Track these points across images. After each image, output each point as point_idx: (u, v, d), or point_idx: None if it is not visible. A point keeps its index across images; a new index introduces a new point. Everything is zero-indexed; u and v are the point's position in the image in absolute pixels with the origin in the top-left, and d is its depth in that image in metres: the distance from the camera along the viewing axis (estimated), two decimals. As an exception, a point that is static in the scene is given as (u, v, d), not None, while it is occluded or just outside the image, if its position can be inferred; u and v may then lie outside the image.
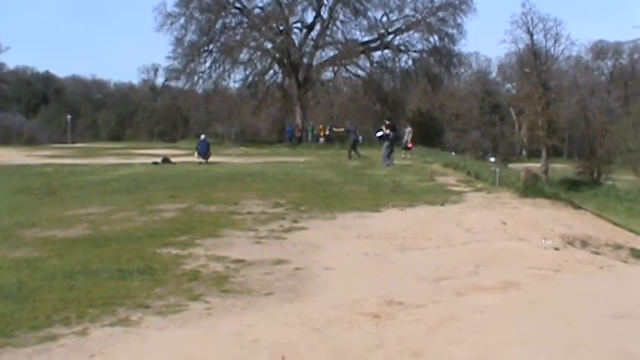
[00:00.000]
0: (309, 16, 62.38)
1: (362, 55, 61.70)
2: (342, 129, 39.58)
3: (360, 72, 63.24)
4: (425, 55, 62.30)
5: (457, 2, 60.00)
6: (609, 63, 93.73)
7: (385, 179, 22.47)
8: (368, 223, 14.26)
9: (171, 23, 59.23)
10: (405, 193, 18.83)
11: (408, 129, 39.96)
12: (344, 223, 14.27)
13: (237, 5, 60.28)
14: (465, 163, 29.65)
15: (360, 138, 38.38)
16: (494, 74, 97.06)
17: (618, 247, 12.93)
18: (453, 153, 46.57)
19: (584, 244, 12.64)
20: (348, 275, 9.83)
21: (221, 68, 61.45)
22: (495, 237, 12.69)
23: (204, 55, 61.16)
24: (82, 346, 6.72)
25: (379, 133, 30.34)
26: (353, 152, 35.00)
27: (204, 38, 60.16)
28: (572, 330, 7.26)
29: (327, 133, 57.51)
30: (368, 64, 63.22)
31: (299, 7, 62.08)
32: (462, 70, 79.33)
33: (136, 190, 20.75)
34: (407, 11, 61.20)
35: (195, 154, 34.04)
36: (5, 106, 79.36)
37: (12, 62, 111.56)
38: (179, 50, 60.39)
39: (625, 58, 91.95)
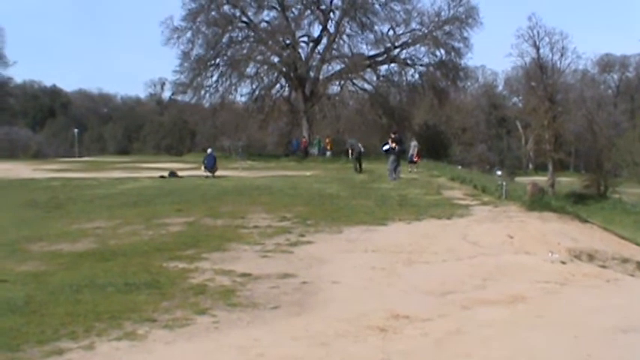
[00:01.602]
0: (316, 30, 62.45)
1: (368, 69, 61.64)
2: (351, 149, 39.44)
3: (366, 86, 63.17)
4: (431, 68, 62.21)
5: (463, 16, 59.91)
6: (615, 76, 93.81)
7: (392, 193, 22.46)
8: (374, 236, 14.29)
9: (178, 37, 59.29)
10: (411, 206, 18.84)
11: (414, 142, 39.79)
12: (350, 236, 14.30)
13: (244, 19, 60.37)
14: (471, 176, 29.68)
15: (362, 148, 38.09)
16: (500, 88, 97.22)
17: (625, 260, 12.93)
18: (460, 166, 46.58)
19: (591, 257, 12.65)
20: (354, 289, 9.84)
21: (228, 82, 61.43)
22: (502, 251, 12.71)
23: (211, 69, 61.16)
24: (89, 360, 6.74)
25: (385, 147, 30.34)
26: (357, 165, 35.13)
27: (211, 52, 60.17)
28: (578, 343, 7.26)
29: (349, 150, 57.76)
30: (374, 78, 63.15)
31: (305, 21, 62.17)
32: (469, 83, 79.11)
33: (142, 203, 20.80)
34: (413, 25, 61.18)
35: (202, 167, 34.08)
36: (12, 120, 79.58)
37: (19, 76, 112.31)
38: (186, 64, 60.42)
39: (631, 71, 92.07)
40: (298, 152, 56.34)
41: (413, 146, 38.76)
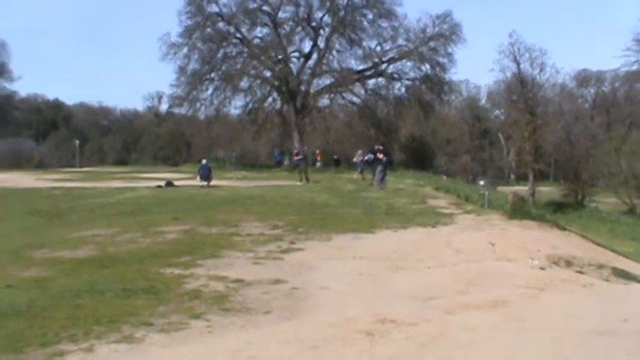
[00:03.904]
0: (307, 46, 62.94)
1: (357, 83, 62.14)
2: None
3: (355, 99, 63.71)
4: (417, 82, 62.80)
5: (448, 33, 60.63)
6: (592, 90, 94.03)
7: (379, 202, 22.66)
8: (362, 244, 14.54)
9: (175, 53, 59.98)
10: (397, 215, 19.10)
11: (359, 152, 41.53)
12: (339, 244, 14.55)
13: (238, 36, 60.85)
14: (455, 186, 29.82)
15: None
16: (483, 101, 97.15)
17: (601, 266, 13.22)
18: (445, 177, 46.89)
19: (569, 263, 12.94)
20: (343, 294, 10.06)
21: (222, 95, 61.94)
22: (484, 257, 12.99)
23: (206, 83, 61.75)
24: (89, 362, 7.02)
25: (365, 158, 30.59)
26: (303, 174, 35.82)
27: (206, 67, 60.73)
28: (556, 346, 7.48)
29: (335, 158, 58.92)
30: (363, 92, 63.63)
31: (297, 37, 62.63)
32: (453, 97, 79.09)
33: (140, 212, 21.02)
34: (400, 41, 61.84)
35: (198, 177, 34.37)
36: (17, 132, 79.77)
37: (24, 90, 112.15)
38: (182, 78, 60.99)
39: (607, 86, 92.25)
40: (288, 162, 56.62)
41: (358, 154, 40.59)
